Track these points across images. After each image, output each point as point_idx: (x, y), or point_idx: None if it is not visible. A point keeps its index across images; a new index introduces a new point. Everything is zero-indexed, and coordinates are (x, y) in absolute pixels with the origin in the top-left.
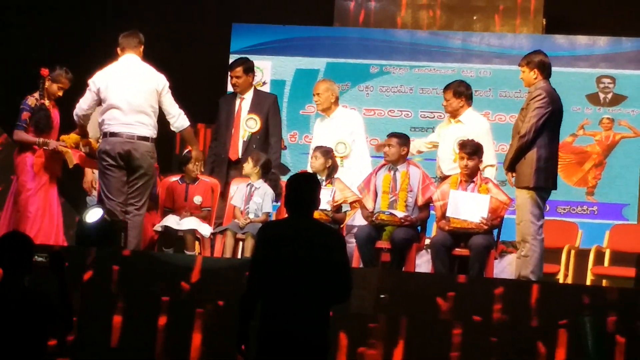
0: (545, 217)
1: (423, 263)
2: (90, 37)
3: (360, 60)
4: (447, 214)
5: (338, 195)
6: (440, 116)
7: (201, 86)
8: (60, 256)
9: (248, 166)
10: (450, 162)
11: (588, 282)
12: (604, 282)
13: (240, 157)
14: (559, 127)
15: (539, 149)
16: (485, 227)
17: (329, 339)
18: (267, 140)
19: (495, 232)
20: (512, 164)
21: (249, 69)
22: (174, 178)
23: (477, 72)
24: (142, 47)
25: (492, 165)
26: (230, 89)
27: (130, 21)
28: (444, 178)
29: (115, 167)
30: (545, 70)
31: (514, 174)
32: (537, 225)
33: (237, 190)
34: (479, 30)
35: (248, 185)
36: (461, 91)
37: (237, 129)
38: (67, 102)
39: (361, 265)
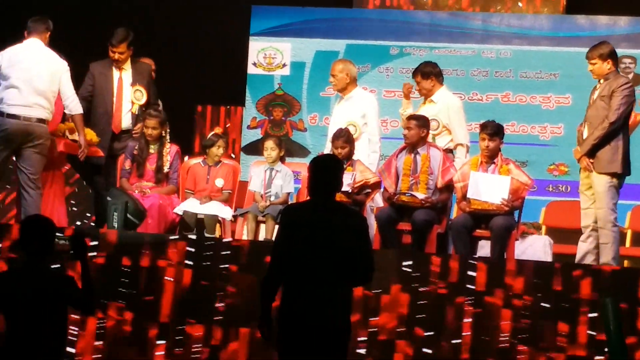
0: (566, 198)
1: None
2: (99, 22)
3: (380, 41)
4: (468, 196)
5: (359, 176)
6: (462, 97)
7: (221, 68)
8: (82, 239)
9: (274, 153)
10: None
11: None
12: (626, 263)
13: (131, 129)
14: None
15: (624, 136)
16: (506, 208)
17: (350, 321)
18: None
19: (516, 213)
20: (594, 150)
21: (132, 42)
22: (196, 160)
23: (498, 53)
24: (49, 33)
25: (462, 145)
26: (251, 69)
27: (147, 5)
28: None
29: (6, 149)
30: (617, 59)
31: (592, 160)
32: (616, 213)
33: (255, 176)
34: (499, 10)
35: (267, 169)
36: (428, 71)
37: (120, 101)
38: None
39: (381, 247)
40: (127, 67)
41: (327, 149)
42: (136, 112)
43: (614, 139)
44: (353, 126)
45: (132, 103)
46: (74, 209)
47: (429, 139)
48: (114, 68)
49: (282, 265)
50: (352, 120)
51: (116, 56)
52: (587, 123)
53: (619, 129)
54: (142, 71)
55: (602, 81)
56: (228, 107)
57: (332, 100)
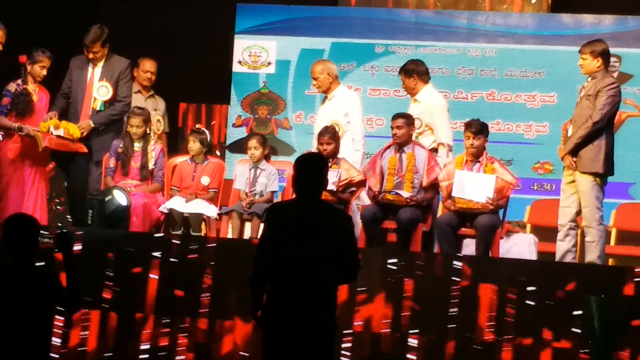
0: (551, 196)
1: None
2: (85, 19)
3: (365, 40)
4: (453, 194)
5: (344, 174)
6: (446, 96)
7: (205, 66)
8: (67, 237)
9: (257, 151)
10: None
11: None
12: (610, 261)
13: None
14: None
15: (607, 136)
16: (491, 207)
17: (335, 319)
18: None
19: (501, 211)
20: (577, 149)
21: (106, 40)
22: (183, 158)
23: (483, 52)
24: None
25: (444, 144)
26: (236, 67)
27: (133, 3)
28: None
29: None
30: (608, 58)
31: (575, 159)
32: (602, 212)
33: (240, 174)
34: (485, 9)
35: (252, 167)
36: (411, 69)
37: (88, 98)
38: (55, 82)
39: (366, 246)
40: (100, 63)
41: (313, 148)
42: (97, 108)
43: (597, 139)
44: (337, 125)
45: (95, 99)
46: (58, 207)
47: (413, 138)
48: (90, 64)
49: (268, 264)
50: (335, 120)
51: (90, 55)
52: (573, 121)
53: (603, 128)
54: (114, 67)
55: (589, 79)
56: (213, 105)
57: (317, 98)
